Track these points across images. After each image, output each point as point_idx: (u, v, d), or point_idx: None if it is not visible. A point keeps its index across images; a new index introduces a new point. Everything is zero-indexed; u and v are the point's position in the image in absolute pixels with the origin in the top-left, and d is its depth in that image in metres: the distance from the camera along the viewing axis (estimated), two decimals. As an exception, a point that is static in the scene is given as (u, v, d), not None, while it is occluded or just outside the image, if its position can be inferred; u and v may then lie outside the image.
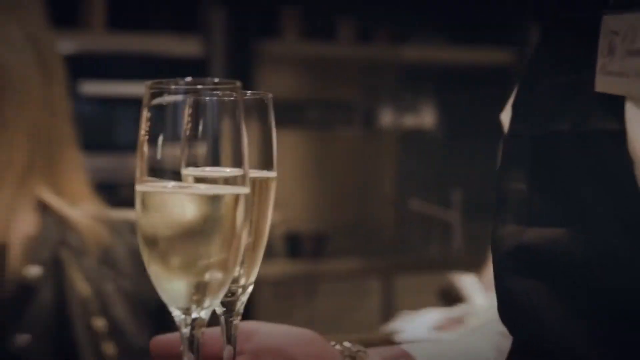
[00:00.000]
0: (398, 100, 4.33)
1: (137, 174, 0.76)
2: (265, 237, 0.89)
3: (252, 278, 0.89)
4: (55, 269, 1.51)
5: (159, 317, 1.50)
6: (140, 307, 1.48)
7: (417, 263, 4.23)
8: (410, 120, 4.37)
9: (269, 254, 3.94)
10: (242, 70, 3.61)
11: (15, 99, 1.51)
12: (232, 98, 0.77)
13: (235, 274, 0.88)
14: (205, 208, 0.76)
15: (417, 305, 3.99)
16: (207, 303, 0.78)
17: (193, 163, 0.76)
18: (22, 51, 1.54)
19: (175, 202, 0.75)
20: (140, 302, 1.49)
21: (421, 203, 4.33)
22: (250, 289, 0.90)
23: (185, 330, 0.79)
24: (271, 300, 3.84)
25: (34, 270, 1.49)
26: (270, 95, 0.89)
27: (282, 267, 3.93)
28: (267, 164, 0.89)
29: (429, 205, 4.29)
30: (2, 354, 1.46)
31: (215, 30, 3.60)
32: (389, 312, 4.13)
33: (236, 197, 0.77)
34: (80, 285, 1.48)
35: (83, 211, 1.54)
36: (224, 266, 0.77)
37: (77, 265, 1.50)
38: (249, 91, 0.87)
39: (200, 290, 0.77)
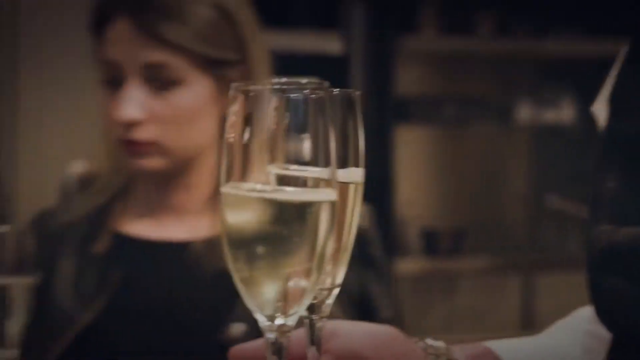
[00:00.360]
0: (536, 95, 4.24)
1: (222, 175, 0.74)
2: (352, 238, 0.87)
3: (338, 280, 0.87)
4: None
5: (363, 308, 1.51)
6: (346, 298, 1.46)
7: (556, 261, 4.14)
8: (548, 116, 4.27)
9: (406, 251, 3.92)
10: (380, 66, 3.60)
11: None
12: (319, 96, 0.74)
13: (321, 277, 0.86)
14: (289, 213, 0.73)
15: (559, 304, 3.92)
16: (292, 310, 0.76)
17: (281, 162, 0.74)
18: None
19: (257, 206, 0.73)
20: (345, 292, 1.48)
21: (559, 200, 4.24)
22: (336, 291, 0.88)
23: (271, 336, 0.77)
24: (409, 297, 3.82)
25: None
26: (358, 92, 0.87)
27: (420, 264, 3.91)
28: (354, 163, 0.87)
29: (568, 202, 4.19)
30: (217, 344, 1.47)
31: (355, 26, 3.60)
32: (529, 310, 4.05)
33: (322, 202, 0.74)
34: None
35: None
36: (309, 274, 0.74)
37: None
38: (337, 88, 0.86)
39: (284, 298, 0.75)
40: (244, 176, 0.73)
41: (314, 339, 0.87)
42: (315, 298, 0.86)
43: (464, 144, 4.20)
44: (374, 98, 3.52)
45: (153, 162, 1.52)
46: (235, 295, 1.50)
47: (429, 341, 0.99)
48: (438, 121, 4.08)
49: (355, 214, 0.86)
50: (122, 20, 1.50)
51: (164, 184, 1.58)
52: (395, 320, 1.50)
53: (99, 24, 1.53)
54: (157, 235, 1.57)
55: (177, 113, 1.49)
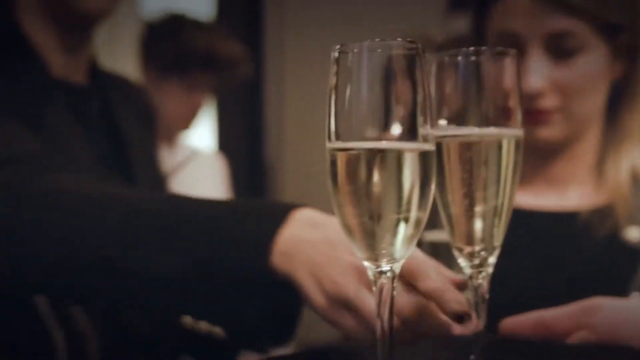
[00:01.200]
0: None
1: (327, 132, 0.79)
2: (512, 199, 0.86)
3: (498, 241, 0.87)
4: None
5: None
6: None
7: None
8: None
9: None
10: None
11: None
12: (412, 53, 0.77)
13: (478, 235, 0.86)
14: (384, 165, 0.77)
15: None
16: (397, 255, 0.80)
17: (383, 121, 0.78)
18: None
19: (354, 159, 0.78)
20: None
21: None
22: (496, 252, 0.87)
23: (375, 288, 0.80)
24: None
25: (634, 233, 1.51)
26: (513, 51, 0.86)
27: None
28: (510, 122, 0.86)
29: None
30: None
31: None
32: None
33: (419, 154, 0.78)
34: None
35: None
36: (399, 222, 0.78)
37: None
38: (497, 48, 0.86)
39: (385, 244, 0.79)
40: (349, 134, 0.78)
41: (475, 302, 0.87)
42: (474, 258, 0.86)
43: None
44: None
45: (555, 132, 1.53)
46: (634, 262, 1.45)
47: None
48: None
49: (509, 172, 0.85)
50: None
51: (547, 155, 1.57)
52: None
53: None
54: (532, 205, 1.57)
55: (579, 81, 1.49)
